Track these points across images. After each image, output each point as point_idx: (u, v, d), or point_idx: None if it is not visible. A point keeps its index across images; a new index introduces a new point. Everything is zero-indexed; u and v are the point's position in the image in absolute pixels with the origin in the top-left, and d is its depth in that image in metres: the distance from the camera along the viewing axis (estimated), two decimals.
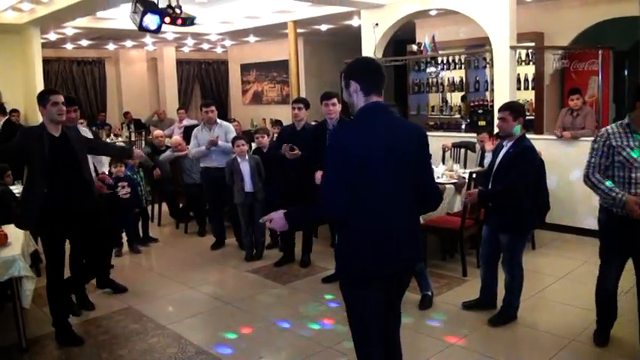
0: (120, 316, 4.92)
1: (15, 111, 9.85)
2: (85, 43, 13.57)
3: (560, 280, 5.51)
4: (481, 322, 4.51)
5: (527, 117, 6.25)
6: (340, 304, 4.46)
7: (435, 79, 10.38)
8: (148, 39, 13.66)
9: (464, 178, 6.19)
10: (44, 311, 4.84)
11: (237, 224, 6.76)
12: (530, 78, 9.32)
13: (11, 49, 9.90)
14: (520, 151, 4.28)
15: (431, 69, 10.13)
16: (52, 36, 11.69)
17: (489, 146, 6.47)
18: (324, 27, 11.76)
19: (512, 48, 7.47)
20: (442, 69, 10.18)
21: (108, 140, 11.62)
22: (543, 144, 6.81)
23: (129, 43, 14.59)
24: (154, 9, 6.25)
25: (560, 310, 4.79)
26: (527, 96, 9.29)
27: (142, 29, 6.29)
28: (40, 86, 9.69)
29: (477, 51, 9.43)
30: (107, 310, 5.01)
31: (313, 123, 6.15)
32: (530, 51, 9.13)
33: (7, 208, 5.72)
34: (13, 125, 9.66)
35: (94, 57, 15.56)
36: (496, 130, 5.43)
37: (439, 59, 10.03)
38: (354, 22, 10.40)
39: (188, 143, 7.34)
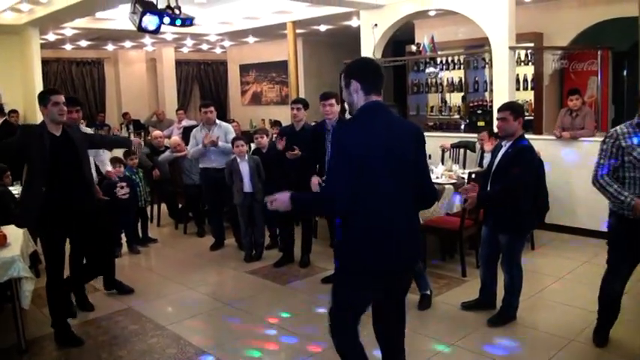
0: (119, 316, 4.91)
1: (14, 111, 9.84)
2: (84, 43, 13.57)
3: (559, 280, 5.51)
4: (480, 323, 4.51)
5: (526, 117, 6.25)
6: None
7: (434, 80, 10.38)
8: (147, 39, 13.66)
9: (463, 178, 6.19)
10: (43, 312, 4.84)
11: (236, 225, 6.76)
12: (529, 78, 9.32)
13: (10, 49, 9.89)
14: (519, 151, 4.28)
15: (430, 69, 10.13)
16: (51, 36, 11.69)
17: (488, 146, 6.48)
18: (323, 27, 11.77)
19: (512, 48, 7.47)
20: (441, 69, 10.18)
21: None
22: (542, 144, 6.82)
23: (128, 44, 14.59)
24: (153, 9, 6.24)
25: (560, 310, 4.79)
26: (527, 96, 9.29)
27: (141, 30, 6.28)
28: (39, 87, 9.69)
29: (476, 51, 9.43)
30: (107, 310, 5.01)
31: (313, 123, 6.15)
32: (529, 51, 9.13)
33: (6, 208, 5.71)
34: (11, 126, 9.65)
35: (93, 57, 15.56)
36: (496, 129, 5.43)
37: (438, 60, 10.02)
38: (353, 22, 10.40)
39: (187, 144, 7.34)
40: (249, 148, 7.14)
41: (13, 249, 4.17)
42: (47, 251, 4.29)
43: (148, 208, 7.75)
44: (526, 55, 9.24)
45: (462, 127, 9.69)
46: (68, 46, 13.97)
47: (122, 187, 6.45)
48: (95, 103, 15.57)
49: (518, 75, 8.78)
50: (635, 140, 3.68)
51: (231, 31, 12.11)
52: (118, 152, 7.03)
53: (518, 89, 8.79)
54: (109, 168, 6.09)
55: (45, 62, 12.15)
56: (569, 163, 6.96)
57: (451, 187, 6.13)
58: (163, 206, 8.43)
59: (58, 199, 4.16)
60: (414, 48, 9.51)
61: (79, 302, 4.98)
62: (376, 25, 8.73)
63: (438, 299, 5.06)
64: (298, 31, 11.03)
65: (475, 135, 7.65)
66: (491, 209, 4.52)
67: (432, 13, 9.18)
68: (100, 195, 5.06)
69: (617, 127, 3.77)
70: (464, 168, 7.29)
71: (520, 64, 9.07)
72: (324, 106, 5.36)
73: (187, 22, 6.68)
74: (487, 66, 9.50)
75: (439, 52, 9.29)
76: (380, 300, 3.13)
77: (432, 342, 4.26)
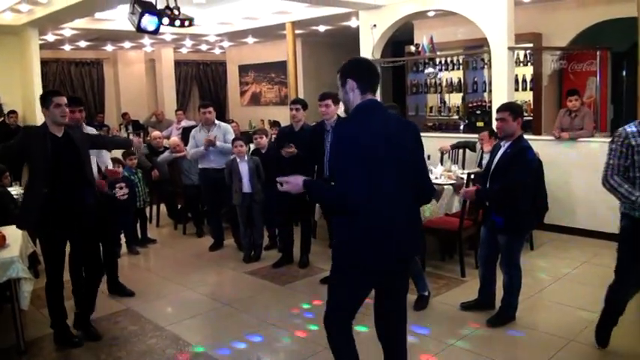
0: (118, 317, 4.91)
1: (13, 112, 9.84)
2: (83, 44, 13.56)
3: (558, 280, 5.51)
4: (480, 323, 4.51)
5: (525, 118, 6.26)
6: None
7: (433, 80, 10.38)
8: (146, 40, 13.66)
9: (462, 178, 6.19)
10: (42, 313, 4.84)
11: (235, 225, 6.76)
12: (528, 79, 9.33)
13: (9, 50, 9.88)
14: (517, 151, 4.28)
15: (429, 70, 10.12)
16: (50, 37, 11.68)
17: (487, 147, 6.48)
18: (322, 28, 11.77)
19: (510, 49, 7.48)
20: (440, 70, 10.18)
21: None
22: (541, 145, 6.82)
23: (127, 44, 14.58)
24: (152, 10, 6.24)
25: (559, 310, 4.79)
26: (526, 97, 9.30)
27: (140, 30, 6.28)
28: (38, 87, 9.69)
29: (475, 52, 9.44)
30: (106, 311, 5.00)
31: (313, 124, 6.15)
32: (528, 52, 9.15)
33: (5, 209, 5.70)
34: (7, 127, 9.66)
35: (92, 58, 15.55)
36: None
37: (437, 60, 10.03)
38: (352, 23, 10.41)
39: (186, 144, 7.35)
40: (249, 148, 7.15)
41: (12, 250, 4.17)
42: (47, 252, 4.28)
43: (147, 209, 7.75)
44: (525, 55, 9.25)
45: (461, 127, 9.69)
46: (67, 47, 13.96)
47: (121, 188, 6.43)
48: (94, 104, 15.55)
49: (517, 75, 8.79)
50: None
51: (231, 31, 12.12)
52: (117, 152, 7.02)
53: (517, 90, 8.80)
54: (110, 166, 6.10)
55: (44, 63, 12.15)
56: (568, 164, 6.97)
57: (450, 187, 6.13)
58: (162, 207, 8.43)
59: (60, 200, 4.15)
60: (413, 48, 9.51)
61: (77, 302, 4.96)
62: (375, 25, 8.74)
63: (437, 299, 5.06)
64: (297, 31, 11.03)
65: (475, 135, 7.65)
66: (490, 211, 4.52)
67: (431, 14, 9.18)
68: (105, 188, 5.07)
69: (625, 126, 3.66)
70: (463, 168, 7.29)
71: (519, 65, 9.08)
72: (320, 107, 5.38)
73: (186, 22, 6.69)
74: (486, 66, 9.51)
75: (438, 53, 9.30)
76: (381, 300, 3.15)
77: (432, 342, 4.26)
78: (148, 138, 9.45)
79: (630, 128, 3.62)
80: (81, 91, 15.25)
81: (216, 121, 6.95)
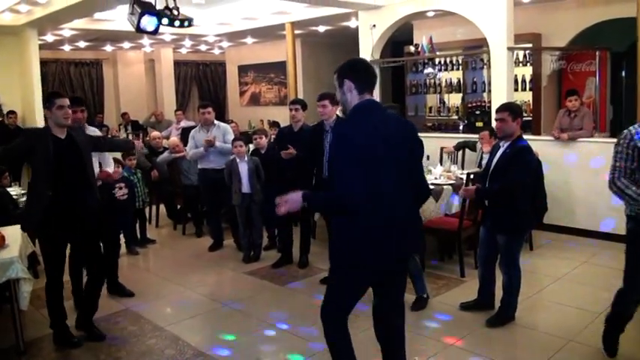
0: (118, 317, 4.91)
1: (12, 112, 9.83)
2: (82, 44, 13.56)
3: (557, 280, 5.51)
4: (479, 323, 4.51)
5: (524, 118, 6.27)
6: None
7: (432, 81, 10.39)
8: (146, 40, 13.66)
9: (461, 179, 6.19)
10: (42, 313, 4.84)
11: (234, 226, 6.76)
12: (527, 79, 9.34)
13: (8, 50, 9.88)
14: (517, 151, 4.28)
15: (428, 70, 10.13)
16: (50, 37, 11.68)
17: (487, 147, 6.48)
18: (321, 28, 11.77)
19: (510, 49, 7.48)
20: (439, 70, 10.19)
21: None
22: (541, 145, 6.83)
23: (126, 45, 14.58)
24: (151, 10, 6.24)
25: (558, 310, 4.79)
26: (525, 97, 9.31)
27: (140, 30, 6.28)
28: (37, 88, 9.70)
29: (475, 52, 9.44)
30: (105, 311, 4.99)
31: (312, 124, 6.16)
32: (527, 52, 9.15)
33: (4, 210, 5.70)
34: (6, 128, 9.65)
35: (91, 58, 15.55)
36: None
37: (436, 60, 10.03)
38: (352, 23, 10.41)
39: (186, 145, 7.34)
40: (248, 149, 7.15)
41: (12, 250, 4.16)
42: (48, 253, 4.28)
43: (147, 209, 7.75)
44: (524, 55, 9.25)
45: (461, 127, 9.70)
46: (66, 47, 13.96)
47: (120, 188, 6.43)
48: (94, 104, 15.54)
49: (516, 76, 8.79)
50: None
51: (230, 31, 12.12)
52: (117, 153, 7.02)
53: (516, 90, 8.81)
54: (110, 169, 6.09)
55: (43, 63, 12.14)
56: (568, 164, 6.97)
57: (450, 187, 6.14)
58: (162, 207, 8.43)
59: (62, 202, 4.15)
60: (412, 49, 9.52)
61: (77, 303, 4.96)
62: (374, 25, 8.74)
63: (436, 300, 5.06)
64: (297, 31, 11.03)
65: (474, 135, 7.66)
66: (490, 210, 4.53)
67: (430, 14, 9.18)
68: (115, 176, 5.09)
69: (631, 128, 3.57)
70: (462, 168, 7.30)
71: (518, 65, 9.09)
72: (318, 107, 5.39)
73: (186, 22, 6.68)
74: (485, 67, 9.52)
75: (437, 53, 9.30)
76: (379, 300, 3.17)
77: (431, 342, 4.26)
78: (147, 138, 9.45)
79: (635, 129, 3.53)
80: (80, 92, 15.24)
81: (216, 122, 6.95)
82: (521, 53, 9.14)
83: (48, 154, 4.10)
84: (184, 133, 8.78)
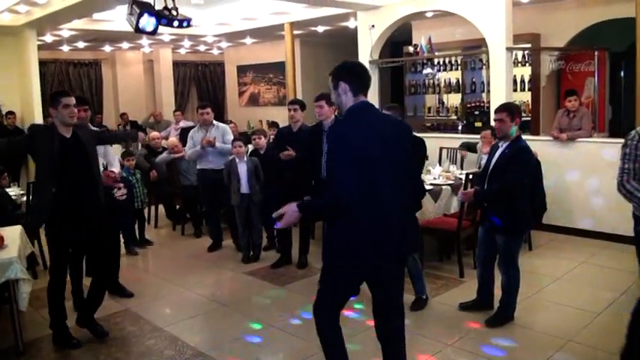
0: (117, 318, 4.91)
1: (11, 113, 9.83)
2: (81, 44, 13.55)
3: (556, 280, 5.52)
4: (478, 323, 4.51)
5: (523, 118, 6.27)
6: None
7: (431, 81, 10.40)
8: (145, 40, 13.66)
9: (460, 179, 6.20)
10: (41, 314, 4.84)
11: (233, 226, 6.76)
12: (526, 79, 9.34)
13: (7, 51, 9.87)
14: (516, 151, 4.29)
15: (427, 70, 10.14)
16: (49, 38, 11.67)
17: (485, 148, 6.48)
18: (320, 29, 11.77)
19: (509, 49, 7.48)
20: (438, 70, 10.20)
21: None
22: (540, 145, 6.84)
23: (125, 45, 14.58)
24: (150, 11, 6.23)
25: (557, 310, 4.79)
26: (524, 97, 9.32)
27: (139, 31, 6.27)
28: (36, 88, 9.69)
29: (474, 52, 9.45)
30: (104, 312, 4.98)
31: (311, 125, 6.16)
32: (526, 52, 9.16)
33: (3, 210, 5.70)
34: (5, 128, 9.65)
35: (90, 59, 15.54)
36: None
37: (435, 61, 10.04)
38: (351, 23, 10.41)
39: (184, 145, 7.34)
40: (247, 149, 7.15)
41: (11, 251, 4.16)
42: (54, 252, 4.28)
43: (146, 210, 7.74)
44: (523, 56, 9.26)
45: (460, 127, 9.70)
46: (65, 48, 13.95)
47: (119, 189, 6.42)
48: (92, 105, 15.46)
49: (515, 76, 8.80)
50: None
51: (229, 32, 12.11)
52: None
53: (515, 90, 8.81)
54: (117, 169, 6.10)
55: (42, 63, 12.13)
56: (567, 164, 6.98)
57: (448, 188, 6.14)
58: (161, 207, 8.42)
59: (68, 200, 4.16)
60: (411, 49, 9.52)
61: (76, 304, 4.96)
62: (373, 26, 8.74)
63: (435, 300, 5.06)
64: (296, 32, 11.03)
65: (474, 136, 7.66)
66: (488, 211, 4.52)
67: (429, 14, 9.18)
68: (117, 176, 5.09)
69: (638, 128, 3.51)
70: (461, 169, 7.30)
71: (517, 65, 9.10)
72: (315, 107, 5.43)
73: (184, 23, 6.67)
74: (484, 67, 9.53)
75: (436, 53, 9.30)
76: (379, 300, 3.18)
77: (430, 342, 4.26)
78: (146, 139, 9.45)
79: None
80: (79, 92, 15.19)
81: (215, 122, 6.95)
82: (520, 53, 9.14)
83: (53, 153, 4.10)
84: (183, 134, 8.78)
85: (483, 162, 6.18)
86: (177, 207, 8.18)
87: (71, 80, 15.28)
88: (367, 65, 8.78)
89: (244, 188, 6.32)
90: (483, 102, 9.60)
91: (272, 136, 8.39)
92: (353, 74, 3.01)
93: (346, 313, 4.35)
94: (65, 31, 10.80)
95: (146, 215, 7.77)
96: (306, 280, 5.79)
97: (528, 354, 4.09)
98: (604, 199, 6.66)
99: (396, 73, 11.30)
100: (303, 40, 13.23)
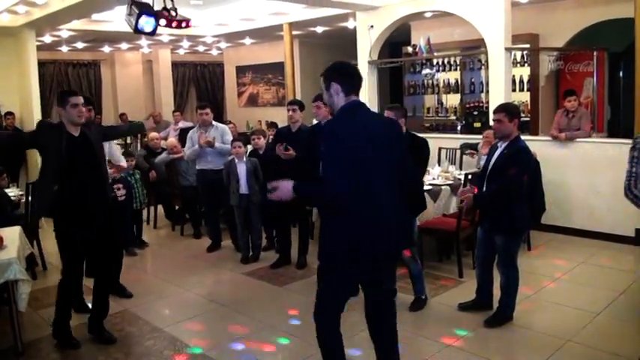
0: (116, 319, 4.90)
1: (10, 114, 9.82)
2: (80, 45, 13.55)
3: (555, 281, 5.52)
4: (477, 323, 4.51)
5: (522, 118, 6.28)
6: None
7: (430, 81, 10.41)
8: (144, 41, 13.66)
9: (459, 179, 6.20)
10: (40, 314, 4.84)
11: (233, 226, 6.76)
12: (525, 79, 9.36)
13: (6, 52, 9.87)
14: (515, 151, 4.29)
15: (426, 71, 10.16)
16: (48, 38, 11.67)
17: (485, 149, 6.48)
18: (319, 29, 11.77)
19: (508, 49, 7.49)
20: (437, 71, 10.21)
21: (104, 143, 11.59)
22: (539, 145, 6.84)
23: (124, 46, 14.58)
24: (149, 11, 6.24)
25: (556, 310, 4.79)
26: (523, 97, 9.33)
27: (138, 31, 6.28)
28: (35, 89, 9.70)
29: (472, 53, 9.46)
30: None
31: (310, 125, 6.17)
32: (525, 52, 9.17)
33: (2, 211, 5.70)
34: (4, 129, 9.64)
35: (89, 59, 15.54)
36: None
37: (434, 61, 10.05)
38: (350, 24, 10.41)
39: (184, 145, 7.34)
40: (246, 149, 7.14)
41: (10, 251, 4.16)
42: (63, 250, 4.27)
43: (145, 210, 7.73)
44: (522, 56, 9.27)
45: (459, 128, 9.71)
46: (64, 48, 13.94)
47: (118, 189, 6.43)
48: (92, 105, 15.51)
49: (514, 76, 8.82)
50: None
51: (228, 32, 12.12)
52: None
53: (514, 90, 8.83)
54: (124, 163, 6.12)
55: (41, 64, 12.12)
56: (566, 164, 6.98)
57: (448, 188, 6.15)
58: (160, 208, 8.42)
59: (76, 198, 4.16)
60: (410, 49, 9.53)
61: (76, 305, 4.95)
62: (372, 26, 8.74)
63: (435, 300, 5.06)
64: (295, 32, 11.04)
65: (474, 136, 7.66)
66: (487, 211, 4.53)
67: (428, 15, 9.19)
68: (123, 169, 5.07)
69: None
70: (460, 169, 7.30)
71: (516, 66, 9.11)
72: (313, 108, 5.50)
73: (183, 23, 6.69)
74: (483, 67, 9.54)
75: (435, 54, 9.30)
76: (371, 298, 3.21)
77: (430, 343, 4.26)
78: (145, 139, 9.45)
79: None
80: (78, 92, 15.20)
81: (214, 122, 6.94)
82: (518, 54, 9.16)
83: (60, 151, 4.10)
84: (182, 134, 8.77)
85: (481, 162, 6.21)
86: (177, 207, 8.18)
87: (70, 81, 15.27)
88: (366, 65, 8.83)
89: (243, 189, 6.32)
90: (482, 102, 9.61)
91: (271, 137, 8.40)
92: (344, 75, 3.08)
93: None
94: (64, 31, 10.81)
95: (145, 216, 7.75)
96: (305, 280, 5.78)
97: (527, 354, 4.09)
98: (603, 199, 6.66)
99: (395, 73, 11.32)
100: (302, 41, 13.23)
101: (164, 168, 7.93)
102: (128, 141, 12.28)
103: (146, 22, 6.26)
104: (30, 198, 5.94)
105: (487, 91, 8.78)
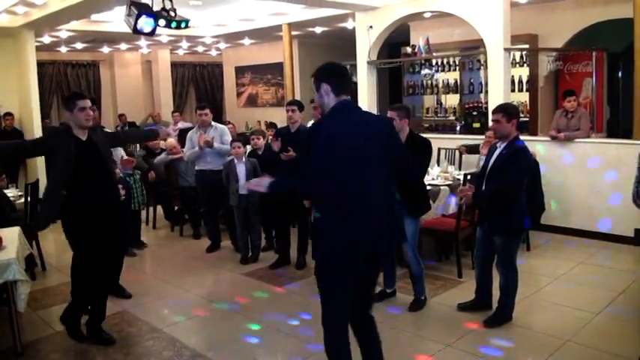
0: (115, 319, 4.89)
1: (9, 115, 9.82)
2: (79, 45, 13.55)
3: (555, 281, 5.52)
4: (477, 324, 4.51)
5: (521, 119, 6.28)
6: None
7: (429, 81, 10.41)
8: (143, 41, 13.66)
9: (459, 179, 6.20)
10: (39, 315, 4.84)
11: (232, 227, 6.76)
12: (524, 80, 9.36)
13: (5, 52, 9.87)
14: (514, 152, 4.30)
15: (425, 71, 10.16)
16: (47, 39, 11.67)
17: (484, 149, 6.48)
18: (318, 29, 11.78)
19: (507, 50, 7.49)
20: (436, 71, 10.21)
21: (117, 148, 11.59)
22: (538, 145, 6.84)
23: (123, 46, 14.58)
24: (148, 12, 6.24)
25: (555, 310, 4.80)
26: (522, 98, 9.33)
27: (137, 32, 6.28)
28: (34, 90, 9.70)
29: (472, 53, 9.46)
30: None
31: (309, 125, 6.17)
32: (524, 53, 9.17)
33: (1, 212, 5.70)
34: (3, 130, 9.64)
35: (88, 60, 15.53)
36: None
37: (433, 61, 10.05)
38: (349, 24, 10.42)
39: (183, 146, 7.33)
40: (245, 150, 7.14)
41: (9, 252, 4.16)
42: (75, 244, 4.26)
43: (144, 211, 7.73)
44: (521, 56, 9.27)
45: (458, 128, 9.71)
46: (63, 49, 13.94)
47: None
48: None
49: (513, 76, 8.81)
50: None
51: (227, 33, 12.12)
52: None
53: (513, 90, 8.82)
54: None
55: (40, 64, 12.11)
56: (565, 164, 6.99)
57: (447, 188, 6.15)
58: (159, 208, 8.41)
59: (84, 202, 4.15)
60: (409, 50, 9.54)
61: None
62: (371, 26, 8.74)
63: (434, 300, 5.07)
64: (294, 33, 11.04)
65: (474, 136, 7.66)
66: (486, 211, 4.53)
67: (427, 15, 9.19)
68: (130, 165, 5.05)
69: None
70: (460, 169, 7.31)
71: (515, 66, 9.11)
72: (312, 109, 5.48)
73: (183, 24, 6.69)
74: (482, 67, 9.54)
75: (434, 54, 9.30)
76: (355, 296, 3.19)
77: (429, 343, 4.26)
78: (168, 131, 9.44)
79: None
80: (86, 95, 15.18)
81: (213, 123, 6.94)
82: (518, 54, 9.16)
83: (69, 155, 4.10)
84: (182, 135, 8.76)
85: (481, 163, 6.21)
86: (176, 208, 8.18)
87: (69, 81, 15.26)
88: (365, 66, 8.84)
89: (242, 189, 6.32)
90: (481, 103, 9.61)
91: (270, 137, 8.39)
92: (334, 75, 3.10)
93: None
94: (63, 32, 10.80)
95: (144, 216, 7.75)
96: (304, 280, 5.78)
97: (527, 354, 4.10)
98: (602, 200, 6.66)
99: (394, 73, 11.32)
100: (301, 41, 13.23)
101: (163, 168, 7.93)
102: (161, 128, 12.24)
103: (145, 23, 6.27)
104: (29, 199, 5.94)
105: (486, 92, 8.78)
